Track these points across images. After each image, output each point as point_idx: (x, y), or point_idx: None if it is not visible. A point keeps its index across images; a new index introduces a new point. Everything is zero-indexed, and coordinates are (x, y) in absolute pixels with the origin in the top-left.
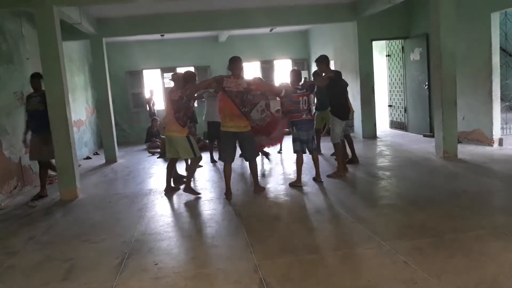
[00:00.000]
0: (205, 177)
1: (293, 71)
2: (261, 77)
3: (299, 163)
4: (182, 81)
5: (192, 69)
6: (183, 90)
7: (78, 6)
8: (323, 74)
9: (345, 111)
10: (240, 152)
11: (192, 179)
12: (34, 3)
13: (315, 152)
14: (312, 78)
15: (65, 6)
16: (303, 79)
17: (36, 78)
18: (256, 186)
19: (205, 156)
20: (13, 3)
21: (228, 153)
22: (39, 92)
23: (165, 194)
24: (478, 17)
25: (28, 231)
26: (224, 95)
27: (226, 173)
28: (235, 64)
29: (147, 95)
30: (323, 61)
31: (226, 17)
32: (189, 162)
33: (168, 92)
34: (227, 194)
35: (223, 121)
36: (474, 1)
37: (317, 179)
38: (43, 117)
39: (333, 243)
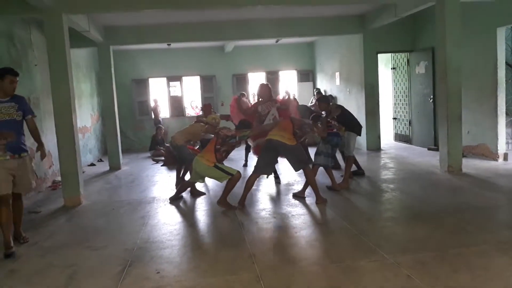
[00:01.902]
0: (209, 186)
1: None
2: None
3: (313, 176)
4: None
5: (198, 78)
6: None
7: (86, 14)
8: (324, 111)
9: (359, 128)
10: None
11: (228, 194)
12: (44, 11)
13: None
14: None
15: (74, 14)
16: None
17: (12, 75)
18: (318, 197)
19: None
20: (23, 10)
21: (264, 165)
22: (10, 97)
23: (170, 202)
24: (484, 32)
25: (31, 236)
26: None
27: (250, 184)
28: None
29: (151, 103)
30: (324, 101)
31: (232, 28)
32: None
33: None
34: (241, 202)
35: (270, 133)
36: (480, 16)
37: (335, 187)
38: (21, 131)
39: (336, 255)
